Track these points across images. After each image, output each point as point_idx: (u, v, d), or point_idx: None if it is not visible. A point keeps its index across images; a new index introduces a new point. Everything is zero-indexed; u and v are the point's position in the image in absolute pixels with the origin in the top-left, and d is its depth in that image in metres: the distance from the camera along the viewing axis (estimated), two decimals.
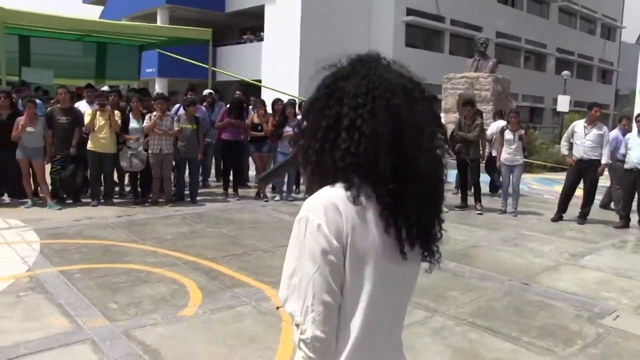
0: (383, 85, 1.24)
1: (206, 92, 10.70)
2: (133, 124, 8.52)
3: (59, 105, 8.38)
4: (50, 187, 8.41)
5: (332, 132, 1.24)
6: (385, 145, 1.19)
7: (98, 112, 8.22)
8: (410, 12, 24.37)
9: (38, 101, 8.98)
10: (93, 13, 29.56)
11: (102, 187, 8.75)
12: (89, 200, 8.58)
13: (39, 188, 8.47)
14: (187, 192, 9.13)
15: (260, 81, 22.01)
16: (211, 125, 9.66)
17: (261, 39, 24.29)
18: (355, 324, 1.23)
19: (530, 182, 13.28)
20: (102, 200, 8.60)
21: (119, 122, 8.34)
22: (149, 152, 8.42)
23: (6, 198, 8.59)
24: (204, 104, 10.24)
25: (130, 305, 4.56)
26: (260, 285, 5.11)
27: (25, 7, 14.34)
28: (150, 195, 8.72)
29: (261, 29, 24.20)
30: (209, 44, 14.71)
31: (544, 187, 12.84)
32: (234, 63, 24.69)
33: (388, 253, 1.23)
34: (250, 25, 25.62)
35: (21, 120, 7.91)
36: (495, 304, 4.85)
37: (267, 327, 4.18)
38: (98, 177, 8.57)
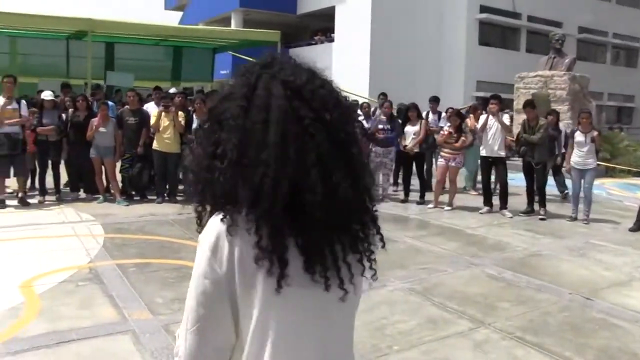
0: (257, 107, 1.14)
1: None
2: (196, 124, 8.79)
3: (128, 107, 8.78)
4: (120, 184, 8.84)
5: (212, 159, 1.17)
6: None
7: (163, 113, 8.54)
8: (484, 9, 23.68)
9: (110, 103, 9.47)
10: (174, 18, 30.80)
11: (166, 185, 9.07)
12: (154, 197, 8.94)
13: (110, 185, 8.90)
14: None
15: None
16: None
17: (332, 40, 24.39)
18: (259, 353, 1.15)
19: (610, 187, 12.52)
20: (167, 198, 8.92)
21: (183, 122, 8.63)
22: None
23: (82, 194, 9.09)
24: None
25: (175, 300, 4.71)
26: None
27: (111, 15, 15.15)
28: None
29: (332, 30, 24.30)
30: (278, 46, 14.98)
31: (625, 193, 12.02)
32: None
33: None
34: (321, 27, 25.82)
35: (95, 121, 8.37)
36: (550, 318, 4.52)
37: None
38: (163, 175, 8.91)
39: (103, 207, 8.42)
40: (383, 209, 6.55)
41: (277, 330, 1.13)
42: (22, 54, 16.78)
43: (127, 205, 8.51)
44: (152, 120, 8.60)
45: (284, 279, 1.11)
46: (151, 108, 9.29)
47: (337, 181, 1.13)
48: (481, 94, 21.28)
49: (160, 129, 8.58)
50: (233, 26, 24.96)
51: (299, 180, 1.10)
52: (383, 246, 1.31)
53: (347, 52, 22.79)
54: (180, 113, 8.74)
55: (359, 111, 9.61)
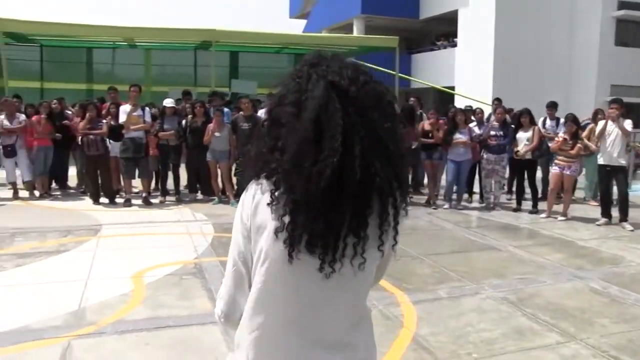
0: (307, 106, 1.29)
1: None
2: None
3: (242, 113, 9.27)
4: (234, 187, 9.35)
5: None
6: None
7: None
8: (622, 5, 21.85)
9: (226, 109, 10.04)
10: (299, 26, 31.83)
11: None
12: None
13: (225, 187, 9.43)
14: None
15: (453, 88, 21.66)
16: None
17: (454, 45, 23.86)
18: (257, 310, 1.37)
19: None
20: None
21: None
22: None
23: (199, 195, 9.73)
24: None
25: None
26: (395, 290, 5.12)
27: (240, 26, 16.11)
28: None
29: (455, 34, 23.78)
30: (396, 51, 15.00)
31: None
32: (428, 69, 24.63)
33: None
34: (444, 31, 25.33)
35: (211, 126, 8.93)
36: None
37: (385, 330, 4.20)
38: None
39: (217, 208, 8.95)
40: (494, 217, 6.40)
41: (277, 292, 1.34)
42: (155, 65, 18.29)
43: None
44: None
45: (294, 253, 1.28)
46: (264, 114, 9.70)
47: (374, 172, 1.27)
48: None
49: None
50: (355, 33, 25.30)
51: (342, 170, 1.24)
52: (396, 234, 1.42)
53: (471, 56, 22.17)
54: None
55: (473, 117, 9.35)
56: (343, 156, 1.24)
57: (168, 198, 9.48)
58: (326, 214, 1.27)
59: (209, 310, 4.58)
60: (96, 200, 9.10)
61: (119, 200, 9.17)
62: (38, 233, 7.12)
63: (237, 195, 9.17)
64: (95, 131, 8.89)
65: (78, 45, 17.29)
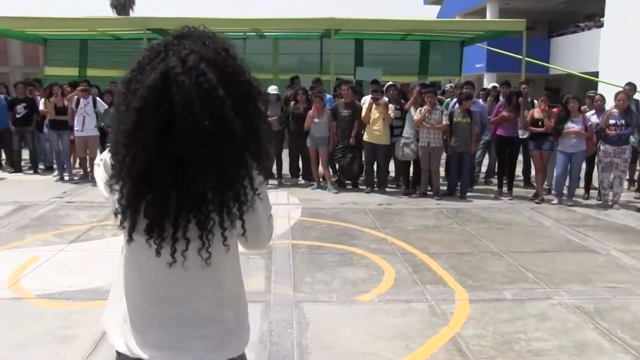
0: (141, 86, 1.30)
1: (491, 85, 10.27)
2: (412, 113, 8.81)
3: (342, 99, 9.25)
4: (332, 173, 9.39)
5: None
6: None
7: (373, 105, 8.78)
8: None
9: (328, 96, 10.08)
10: (433, 12, 31.03)
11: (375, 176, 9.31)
12: (364, 187, 9.25)
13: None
14: (458, 188, 8.99)
15: (597, 74, 19.82)
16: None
17: (600, 25, 21.67)
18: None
19: None
20: (376, 188, 9.15)
21: (393, 115, 8.76)
22: (419, 144, 8.61)
23: (301, 180, 9.91)
24: (488, 98, 9.90)
25: (322, 282, 4.89)
26: (457, 286, 4.82)
27: (380, 14, 16.17)
28: (418, 187, 8.92)
29: (601, 13, 21.59)
30: (523, 35, 14.02)
31: None
32: (569, 54, 22.70)
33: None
34: (588, 12, 23.13)
35: (311, 112, 9.03)
36: None
37: (427, 327, 3.98)
38: (372, 166, 9.17)
39: (314, 193, 9.05)
40: (608, 217, 5.80)
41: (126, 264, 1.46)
42: (283, 54, 18.83)
43: (337, 192, 8.99)
44: (363, 113, 8.91)
45: (130, 236, 1.37)
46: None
47: (187, 173, 1.28)
48: None
49: (370, 121, 8.84)
50: (488, 17, 24.06)
51: (152, 163, 1.28)
52: (243, 234, 1.42)
53: (618, 37, 20.05)
54: (390, 106, 8.88)
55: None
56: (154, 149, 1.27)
57: (270, 182, 9.75)
58: (154, 202, 1.31)
59: (260, 289, 4.68)
60: None
61: None
62: None
63: (338, 181, 9.39)
64: None
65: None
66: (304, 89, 9.71)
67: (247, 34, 17.72)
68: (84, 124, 9.29)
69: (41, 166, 10.75)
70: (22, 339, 3.67)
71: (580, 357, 3.58)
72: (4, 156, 11.14)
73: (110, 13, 44.73)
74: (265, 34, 17.59)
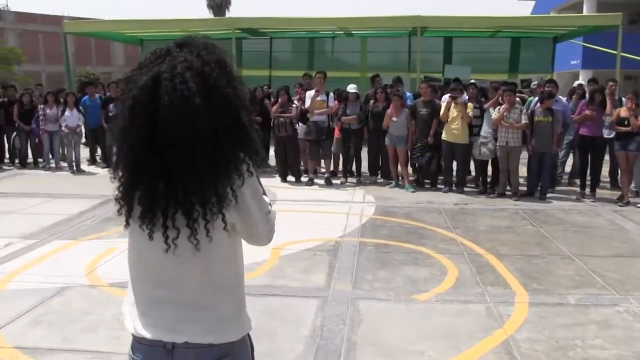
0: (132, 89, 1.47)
1: (576, 83, 9.80)
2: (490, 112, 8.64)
3: (421, 98, 9.21)
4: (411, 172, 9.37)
5: None
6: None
7: (452, 104, 8.67)
8: None
9: (408, 94, 10.05)
10: (526, 8, 29.79)
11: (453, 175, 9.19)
12: (442, 186, 9.16)
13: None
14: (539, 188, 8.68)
15: None
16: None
17: None
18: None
19: None
20: (454, 188, 9.04)
21: (471, 114, 8.61)
22: (497, 144, 8.41)
23: (380, 178, 9.96)
24: (574, 96, 9.48)
25: (382, 279, 4.97)
26: (519, 288, 4.73)
27: (449, 10, 15.91)
28: (497, 187, 8.71)
29: None
30: (619, 29, 13.20)
31: None
32: None
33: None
34: None
35: (389, 111, 9.07)
36: None
37: (480, 328, 3.96)
38: (451, 165, 9.06)
39: (391, 192, 9.07)
40: None
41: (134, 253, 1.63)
42: (371, 52, 18.85)
43: (414, 191, 8.97)
44: (442, 111, 8.82)
45: (127, 221, 1.55)
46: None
47: (170, 168, 1.46)
48: None
49: (449, 120, 8.74)
50: (585, 11, 22.76)
51: (142, 157, 1.46)
52: (224, 227, 1.54)
53: None
54: (469, 104, 8.73)
55: None
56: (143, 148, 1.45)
57: (350, 180, 9.88)
58: (146, 191, 1.49)
59: (320, 285, 4.83)
60: (283, 179, 9.95)
61: (304, 179, 9.86)
62: None
63: (416, 180, 9.36)
64: (286, 114, 9.68)
65: (302, 36, 18.74)
66: (384, 88, 9.74)
67: (336, 32, 17.96)
68: None
69: None
70: (91, 322, 4.05)
71: None
72: (99, 152, 12.03)
73: (207, 14, 46.69)
74: (353, 32, 17.76)
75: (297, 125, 9.80)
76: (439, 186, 9.26)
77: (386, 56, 19.46)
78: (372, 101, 9.69)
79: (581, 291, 4.66)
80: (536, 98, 9.11)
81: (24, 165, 11.58)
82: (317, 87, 9.42)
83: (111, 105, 11.14)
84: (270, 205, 1.68)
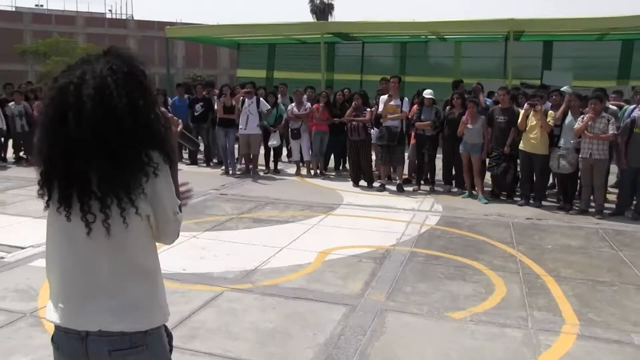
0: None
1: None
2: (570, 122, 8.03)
3: (499, 105, 8.73)
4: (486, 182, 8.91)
5: None
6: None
7: (531, 113, 8.15)
8: None
9: (488, 101, 9.57)
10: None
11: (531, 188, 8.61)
12: (519, 199, 8.62)
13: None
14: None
15: None
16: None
17: None
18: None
19: None
20: (532, 201, 8.47)
21: (551, 123, 8.04)
22: (580, 155, 7.78)
23: (454, 187, 9.55)
24: None
25: (420, 293, 4.73)
26: (571, 317, 4.29)
27: (554, 12, 15.12)
28: (578, 203, 8.07)
29: None
30: None
31: None
32: None
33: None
34: None
35: (465, 118, 8.69)
36: None
37: (509, 357, 3.63)
38: (528, 177, 8.50)
39: (463, 201, 8.67)
40: None
41: (50, 238, 1.68)
42: (465, 57, 18.23)
43: (486, 202, 8.52)
44: (519, 119, 8.31)
45: (46, 203, 1.63)
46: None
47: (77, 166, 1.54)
48: None
49: (527, 129, 8.22)
50: None
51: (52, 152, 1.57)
52: (137, 212, 1.59)
53: None
54: (550, 112, 8.16)
55: None
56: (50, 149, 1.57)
57: (423, 187, 9.57)
58: (61, 179, 1.57)
59: (355, 293, 4.68)
60: (356, 183, 9.82)
61: (376, 184, 9.68)
62: (285, 205, 8.14)
63: (492, 191, 8.89)
64: (359, 118, 9.56)
65: (394, 40, 18.52)
66: (461, 94, 9.35)
67: (429, 37, 17.56)
68: (247, 123, 10.07)
69: (215, 160, 11.89)
70: None
71: None
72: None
73: (310, 19, 47.52)
74: (446, 37, 17.28)
75: (371, 130, 9.66)
76: (515, 199, 8.73)
77: (481, 61, 18.75)
78: (447, 107, 9.34)
79: None
80: (632, 106, 8.36)
81: None
82: (392, 91, 9.21)
83: (197, 105, 11.62)
84: (179, 207, 1.73)
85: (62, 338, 1.66)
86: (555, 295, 4.74)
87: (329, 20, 47.85)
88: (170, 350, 1.79)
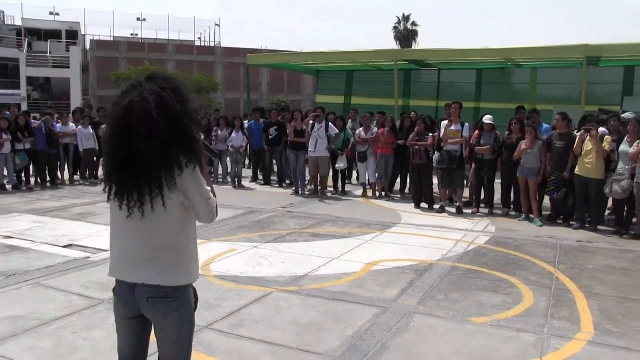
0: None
1: None
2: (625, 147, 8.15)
3: (557, 130, 8.97)
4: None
5: None
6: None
7: (587, 137, 8.34)
8: None
9: (546, 126, 9.78)
10: None
11: (587, 212, 8.74)
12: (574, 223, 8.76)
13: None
14: None
15: None
16: None
17: None
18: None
19: None
20: (587, 225, 8.60)
21: (607, 147, 8.20)
22: (634, 181, 7.89)
23: (512, 211, 9.79)
24: None
25: (451, 300, 5.20)
26: (588, 327, 4.59)
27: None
28: (632, 228, 8.12)
29: None
30: None
31: None
32: None
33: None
34: None
35: (522, 144, 8.99)
36: None
37: (517, 355, 4.05)
38: (583, 201, 8.63)
39: (519, 224, 8.92)
40: None
41: (110, 220, 2.39)
42: (541, 84, 18.17)
43: (541, 226, 8.74)
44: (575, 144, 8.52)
45: (108, 197, 2.31)
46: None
47: (131, 166, 2.21)
48: None
49: (583, 153, 8.41)
50: None
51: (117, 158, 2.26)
52: (163, 205, 2.25)
53: None
54: (607, 138, 8.31)
55: None
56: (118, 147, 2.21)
57: (482, 210, 9.89)
58: (118, 179, 2.25)
59: (388, 298, 5.22)
60: (417, 205, 10.30)
61: (436, 206, 10.12)
62: (344, 222, 8.78)
63: (550, 215, 9.07)
64: (421, 143, 10.08)
65: (470, 67, 18.81)
66: (519, 119, 9.64)
67: (505, 64, 17.70)
68: (316, 146, 10.85)
69: (287, 181, 12.75)
70: None
71: None
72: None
73: (394, 45, 48.25)
74: (521, 63, 17.39)
75: (433, 154, 10.13)
76: (572, 222, 8.87)
77: (558, 87, 18.58)
78: (506, 132, 9.66)
79: None
80: None
81: None
82: (453, 117, 9.67)
83: (271, 129, 12.57)
84: (211, 193, 2.35)
85: (118, 288, 2.38)
86: (580, 309, 5.04)
87: (413, 47, 48.51)
88: (195, 308, 2.45)
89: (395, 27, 52.63)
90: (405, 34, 50.79)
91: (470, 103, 19.25)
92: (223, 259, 6.44)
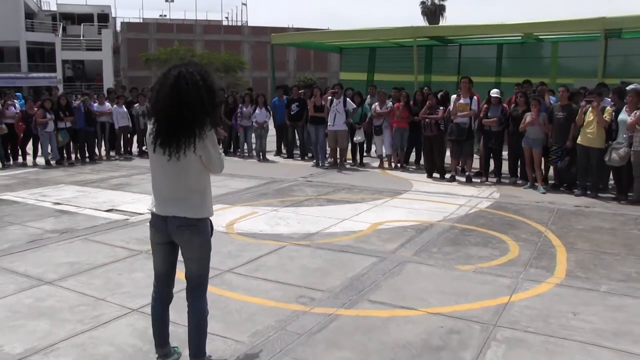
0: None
1: None
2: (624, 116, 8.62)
3: (559, 102, 9.47)
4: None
5: None
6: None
7: (590, 108, 8.83)
8: None
9: (552, 98, 10.27)
10: None
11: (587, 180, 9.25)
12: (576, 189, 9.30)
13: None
14: None
15: None
16: None
17: None
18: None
19: None
20: (588, 192, 9.12)
21: (607, 118, 8.68)
22: (631, 149, 8.38)
23: (519, 179, 10.34)
24: None
25: (443, 252, 5.90)
26: (561, 274, 5.22)
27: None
28: (630, 195, 8.63)
29: None
30: None
31: None
32: None
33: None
34: None
35: (527, 115, 9.52)
36: None
37: (489, 293, 4.72)
38: (584, 169, 9.14)
39: (523, 191, 9.48)
40: None
41: (152, 170, 3.15)
42: (562, 57, 18.37)
43: (544, 193, 9.29)
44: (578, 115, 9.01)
45: (154, 148, 3.05)
46: None
47: (175, 122, 2.97)
48: None
49: (584, 124, 8.91)
50: None
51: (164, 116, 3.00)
52: (194, 151, 3.00)
53: None
54: (608, 108, 8.80)
55: None
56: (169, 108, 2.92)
57: (491, 179, 10.48)
58: (165, 132, 2.98)
59: (388, 250, 5.94)
60: (429, 174, 10.94)
61: (447, 175, 10.74)
62: (359, 190, 9.51)
63: (554, 183, 9.62)
64: (432, 116, 10.67)
65: (490, 42, 19.08)
66: (524, 92, 10.14)
67: (525, 38, 17.95)
68: (335, 120, 11.55)
69: (309, 154, 13.49)
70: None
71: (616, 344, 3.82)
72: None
73: (422, 21, 48.15)
74: (542, 37, 17.62)
75: (443, 126, 10.72)
76: (574, 190, 9.39)
77: (579, 61, 18.72)
78: (512, 105, 10.18)
79: (624, 285, 4.92)
80: None
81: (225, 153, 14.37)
82: (462, 91, 10.23)
83: (293, 105, 13.28)
84: (221, 152, 3.14)
85: (154, 219, 3.16)
86: (558, 260, 5.67)
87: (440, 22, 48.33)
88: (211, 235, 3.21)
89: (422, 2, 52.43)
90: (433, 9, 50.58)
91: (491, 78, 19.58)
92: (245, 220, 7.25)
